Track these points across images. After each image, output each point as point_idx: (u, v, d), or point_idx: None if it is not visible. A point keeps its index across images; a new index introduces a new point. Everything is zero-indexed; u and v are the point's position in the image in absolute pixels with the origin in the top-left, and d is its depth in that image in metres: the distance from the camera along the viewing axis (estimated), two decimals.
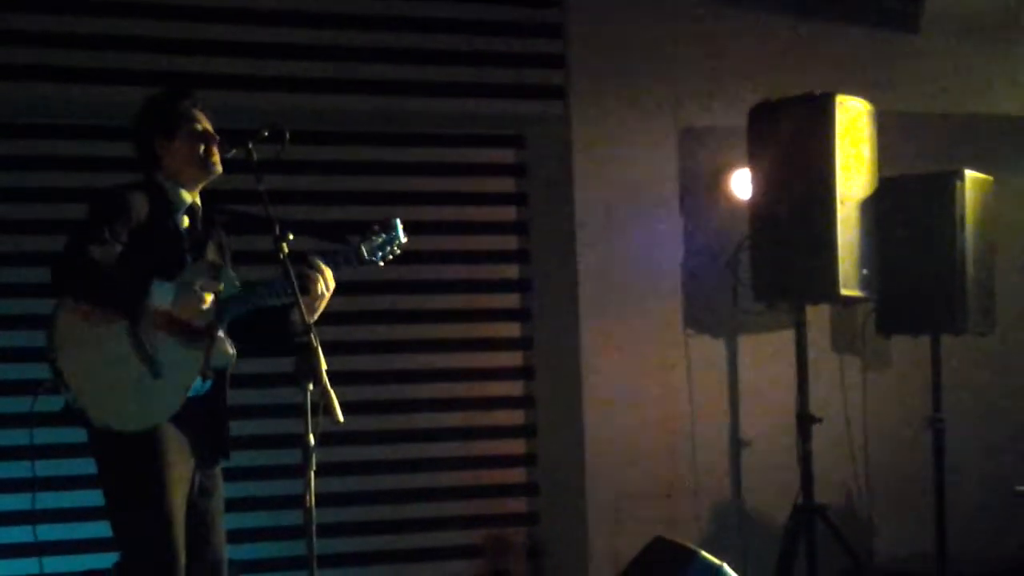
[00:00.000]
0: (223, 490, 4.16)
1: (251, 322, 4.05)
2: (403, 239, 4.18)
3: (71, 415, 3.87)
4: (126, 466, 3.89)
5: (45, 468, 5.26)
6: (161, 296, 3.81)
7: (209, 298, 3.88)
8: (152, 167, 4.05)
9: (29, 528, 4.97)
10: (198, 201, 4.10)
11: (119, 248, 3.83)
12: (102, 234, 3.81)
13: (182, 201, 4.04)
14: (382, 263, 4.17)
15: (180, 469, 3.91)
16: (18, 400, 5.12)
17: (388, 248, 4.15)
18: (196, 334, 3.92)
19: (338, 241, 4.18)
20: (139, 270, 3.82)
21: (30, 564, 5.22)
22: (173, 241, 3.99)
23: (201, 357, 3.92)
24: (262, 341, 4.15)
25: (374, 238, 4.14)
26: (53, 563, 5.33)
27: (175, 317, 3.86)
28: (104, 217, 3.86)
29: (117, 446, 3.88)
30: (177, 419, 3.91)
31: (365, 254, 4.10)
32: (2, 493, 5.63)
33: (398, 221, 4.18)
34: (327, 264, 4.04)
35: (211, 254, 4.11)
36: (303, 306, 3.78)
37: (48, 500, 5.45)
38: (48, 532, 5.35)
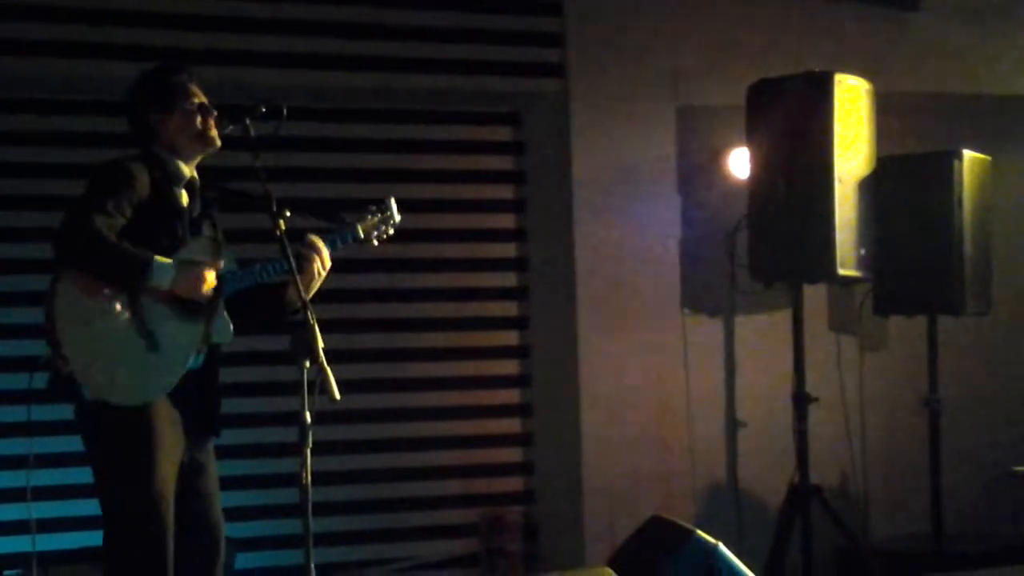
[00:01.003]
0: (216, 467, 4.15)
1: (246, 300, 4.03)
2: (397, 218, 4.24)
3: (59, 389, 3.84)
4: (115, 441, 3.85)
5: (40, 445, 5.26)
6: (161, 275, 3.80)
7: (211, 276, 3.87)
8: (149, 141, 4.02)
9: (23, 505, 4.96)
10: (196, 176, 4.08)
11: (122, 221, 3.80)
12: (106, 206, 3.77)
13: (181, 175, 4.02)
14: (376, 243, 4.22)
15: (171, 444, 3.89)
16: (14, 377, 5.14)
17: (383, 228, 4.22)
18: (195, 309, 3.90)
19: (334, 221, 4.18)
20: (141, 244, 3.80)
21: (23, 541, 5.22)
22: (174, 216, 3.97)
23: (199, 332, 3.91)
24: (256, 319, 4.15)
25: (370, 218, 4.20)
26: (46, 541, 5.34)
27: (175, 294, 3.85)
28: (109, 189, 3.83)
29: (107, 421, 3.84)
30: (170, 394, 3.90)
31: (361, 234, 4.16)
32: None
33: (392, 201, 4.23)
34: (324, 244, 4.05)
35: (207, 231, 4.09)
36: (299, 284, 3.78)
37: (43, 477, 5.45)
38: (43, 510, 5.35)
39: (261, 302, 4.09)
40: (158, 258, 3.80)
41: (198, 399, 3.99)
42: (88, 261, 3.78)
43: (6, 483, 5.52)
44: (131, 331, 3.83)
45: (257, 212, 3.87)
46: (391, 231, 4.25)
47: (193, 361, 3.95)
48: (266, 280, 4.01)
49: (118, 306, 3.82)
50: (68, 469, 5.62)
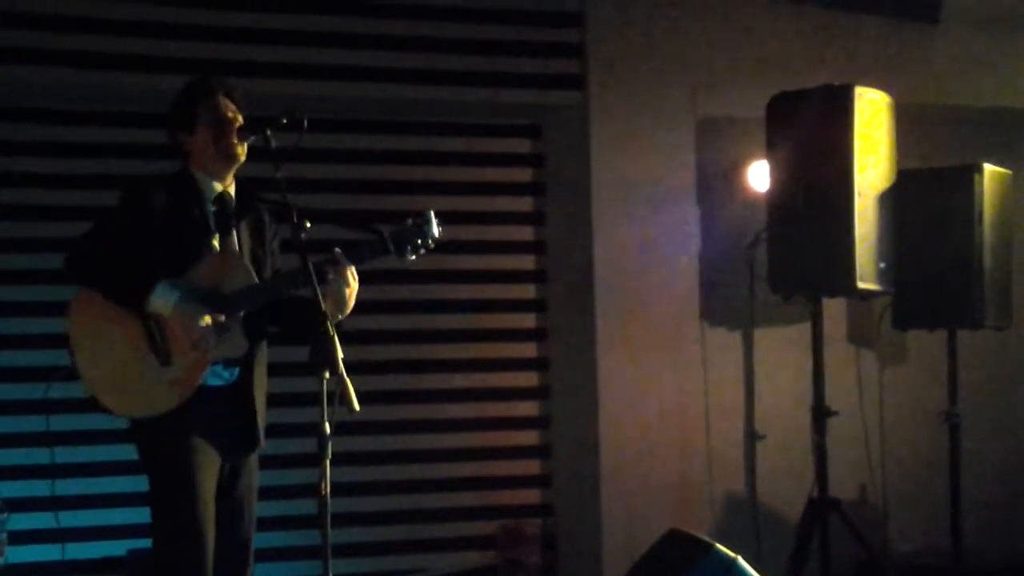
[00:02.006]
0: (257, 476, 4.17)
1: (284, 308, 4.06)
2: (436, 233, 4.02)
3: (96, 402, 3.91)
4: (154, 449, 3.94)
5: (63, 455, 5.30)
6: (162, 301, 3.84)
7: (195, 334, 3.85)
8: (184, 159, 4.08)
9: (51, 515, 5.00)
10: (231, 189, 4.09)
11: (133, 240, 3.88)
12: (116, 225, 3.91)
13: (212, 190, 4.04)
14: (413, 257, 4.02)
15: (207, 452, 3.93)
16: (34, 387, 5.17)
17: (420, 242, 4.00)
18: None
19: (369, 232, 4.12)
20: (153, 262, 3.86)
21: (47, 550, 5.25)
22: (198, 229, 3.99)
23: (213, 345, 3.92)
24: (297, 326, 4.12)
25: (406, 231, 4.00)
26: (75, 550, 5.38)
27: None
28: (122, 208, 3.95)
29: (144, 429, 3.93)
30: (203, 405, 3.92)
31: (392, 247, 3.97)
32: (24, 479, 5.64)
33: (432, 214, 4.03)
34: (351, 259, 3.97)
35: (246, 239, 4.09)
36: (322, 297, 3.75)
37: (68, 487, 5.48)
38: (70, 519, 5.39)
39: (298, 310, 4.06)
40: (161, 287, 3.83)
41: (234, 413, 4.02)
42: (93, 281, 3.90)
43: (28, 492, 5.55)
44: (143, 346, 3.88)
45: (283, 222, 3.88)
46: (431, 244, 4.02)
47: (228, 376, 3.99)
48: (290, 293, 4.00)
49: (131, 321, 3.88)
50: (90, 479, 5.66)
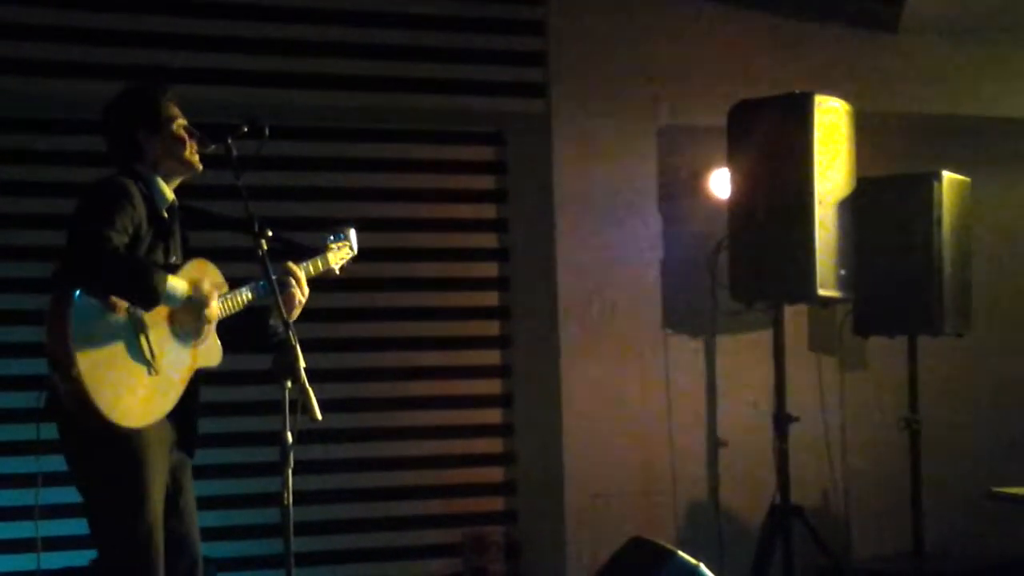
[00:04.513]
0: (193, 486, 4.13)
1: (229, 324, 3.99)
2: (356, 250, 4.40)
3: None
4: (106, 465, 3.81)
5: (48, 464, 5.25)
6: (175, 294, 3.75)
7: (215, 303, 3.85)
8: (132, 159, 3.96)
9: (30, 524, 4.94)
10: (174, 196, 4.05)
11: (126, 239, 3.73)
12: (115, 223, 3.68)
13: (164, 195, 3.98)
14: (339, 272, 4.33)
15: (159, 466, 3.88)
16: (20, 396, 5.11)
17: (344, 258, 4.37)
18: (187, 333, 3.87)
19: (295, 251, 4.18)
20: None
21: (29, 559, 5.19)
22: (165, 237, 3.94)
23: (191, 356, 3.89)
24: (240, 342, 4.11)
25: (335, 248, 4.34)
26: (51, 559, 5.32)
27: (178, 316, 3.82)
28: (113, 206, 3.73)
29: (95, 444, 3.78)
30: None
31: (333, 265, 4.31)
32: (4, 488, 5.60)
33: (352, 232, 4.39)
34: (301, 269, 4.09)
35: (179, 247, 4.07)
36: (281, 306, 3.78)
37: (49, 496, 5.43)
38: (48, 528, 5.33)
39: (245, 326, 4.06)
40: (171, 279, 3.74)
41: (179, 419, 3.98)
42: (105, 277, 3.66)
43: (14, 501, 5.52)
44: (138, 354, 3.75)
45: (238, 232, 3.86)
46: (350, 254, 4.38)
47: None
48: (252, 302, 4.00)
49: (129, 329, 3.73)
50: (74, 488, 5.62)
